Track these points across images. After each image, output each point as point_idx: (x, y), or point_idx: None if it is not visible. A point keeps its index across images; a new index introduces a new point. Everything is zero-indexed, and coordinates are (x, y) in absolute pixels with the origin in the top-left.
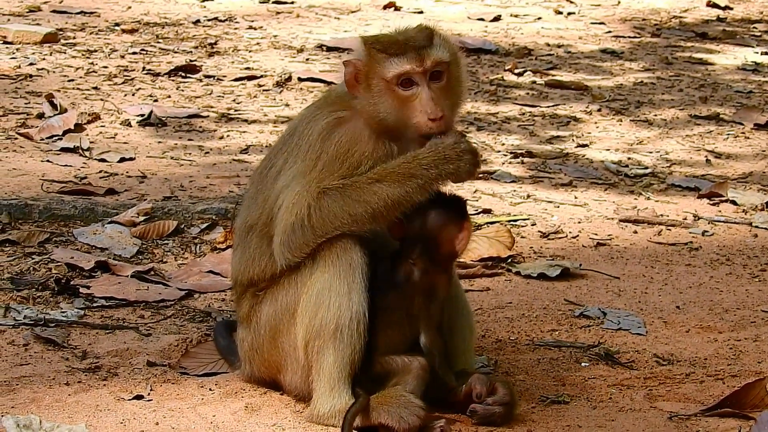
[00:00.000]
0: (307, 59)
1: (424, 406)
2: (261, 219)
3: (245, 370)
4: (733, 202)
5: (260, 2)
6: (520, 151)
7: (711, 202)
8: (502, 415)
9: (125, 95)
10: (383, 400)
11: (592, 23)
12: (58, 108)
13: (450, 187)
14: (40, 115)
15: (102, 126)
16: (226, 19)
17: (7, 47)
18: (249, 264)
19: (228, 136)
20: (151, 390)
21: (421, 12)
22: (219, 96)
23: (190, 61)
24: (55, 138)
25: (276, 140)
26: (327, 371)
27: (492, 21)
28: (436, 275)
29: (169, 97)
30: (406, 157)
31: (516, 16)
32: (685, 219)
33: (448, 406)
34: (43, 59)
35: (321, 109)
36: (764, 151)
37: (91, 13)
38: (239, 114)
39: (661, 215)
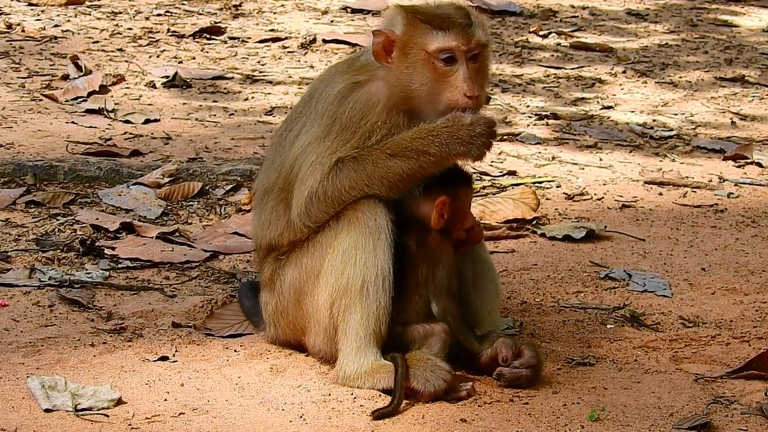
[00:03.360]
0: (332, 21)
1: (450, 369)
2: (278, 183)
3: (269, 333)
4: (759, 164)
5: None
6: (544, 113)
7: (736, 164)
8: (529, 377)
9: (150, 57)
10: (409, 363)
11: None
12: (83, 70)
13: None
14: (65, 77)
15: (127, 87)
16: None
17: (32, 9)
18: (266, 227)
19: (253, 97)
20: (176, 351)
21: None
22: (244, 58)
23: (215, 22)
24: (80, 99)
25: (297, 102)
26: (354, 330)
27: None
28: (436, 242)
29: (194, 58)
30: (420, 130)
31: None
32: (711, 181)
33: (475, 370)
34: (68, 21)
35: (341, 72)
36: None
37: None
38: (264, 75)
39: (686, 177)
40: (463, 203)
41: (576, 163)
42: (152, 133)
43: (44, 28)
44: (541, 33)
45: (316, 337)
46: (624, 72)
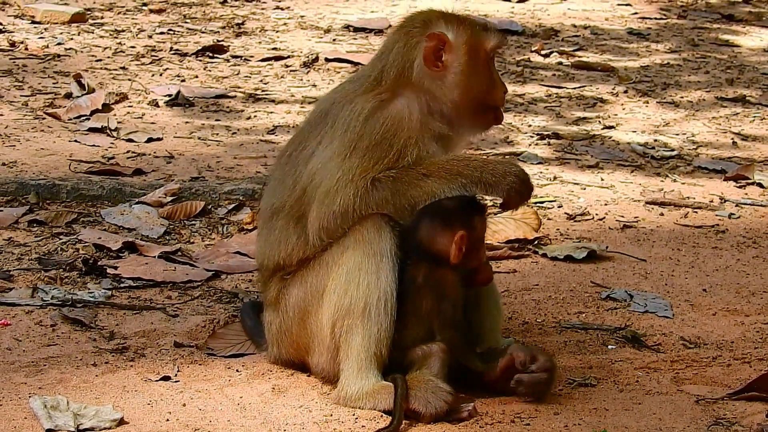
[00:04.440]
0: (334, 39)
1: (451, 390)
2: (288, 202)
3: (272, 353)
4: (760, 185)
5: None
6: (546, 133)
7: (737, 185)
8: (548, 381)
9: (153, 75)
10: (410, 384)
11: (618, 4)
12: (86, 88)
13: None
14: (68, 95)
15: (129, 106)
16: None
17: (35, 27)
18: (275, 247)
19: (255, 116)
20: (178, 371)
21: None
22: (246, 76)
23: (218, 41)
24: (82, 118)
25: (302, 124)
26: (355, 351)
27: (518, 2)
28: (444, 276)
29: (197, 77)
30: (458, 155)
31: None
32: (712, 201)
33: (479, 389)
34: (71, 39)
35: (358, 92)
36: None
37: None
38: (266, 94)
39: (688, 198)
40: (480, 233)
41: (577, 183)
42: (155, 152)
43: (47, 46)
44: (542, 52)
45: (319, 357)
46: (625, 92)
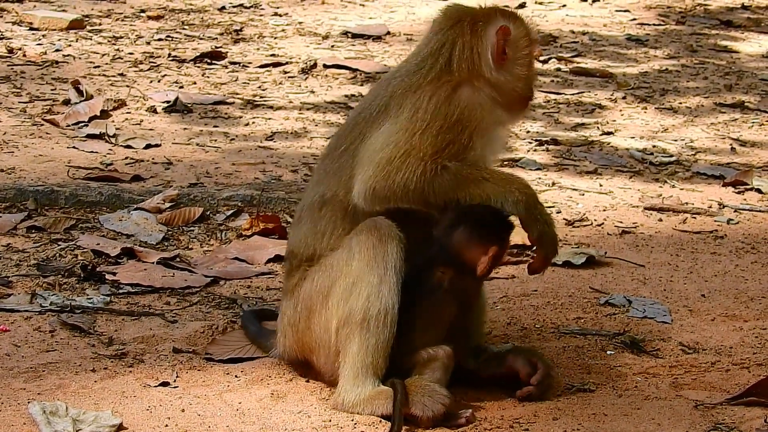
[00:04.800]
0: (332, 46)
1: (448, 395)
2: (339, 193)
3: (281, 345)
4: (758, 191)
5: None
6: (545, 139)
7: (736, 191)
8: (551, 385)
9: (151, 82)
10: (408, 389)
11: (617, 10)
12: (84, 94)
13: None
14: (66, 102)
15: (128, 112)
16: (251, 6)
17: (33, 33)
18: (319, 238)
19: (253, 122)
20: (177, 377)
21: None
22: (244, 82)
23: (216, 47)
24: (81, 124)
25: (351, 120)
26: (351, 359)
27: (517, 8)
28: (467, 282)
29: (195, 83)
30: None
31: (541, 3)
32: (710, 207)
33: (474, 385)
34: (69, 45)
35: (426, 82)
36: None
37: None
38: (264, 101)
39: (686, 203)
40: (505, 251)
41: (576, 189)
42: (153, 158)
43: (46, 53)
44: (541, 58)
45: (324, 358)
46: (624, 97)
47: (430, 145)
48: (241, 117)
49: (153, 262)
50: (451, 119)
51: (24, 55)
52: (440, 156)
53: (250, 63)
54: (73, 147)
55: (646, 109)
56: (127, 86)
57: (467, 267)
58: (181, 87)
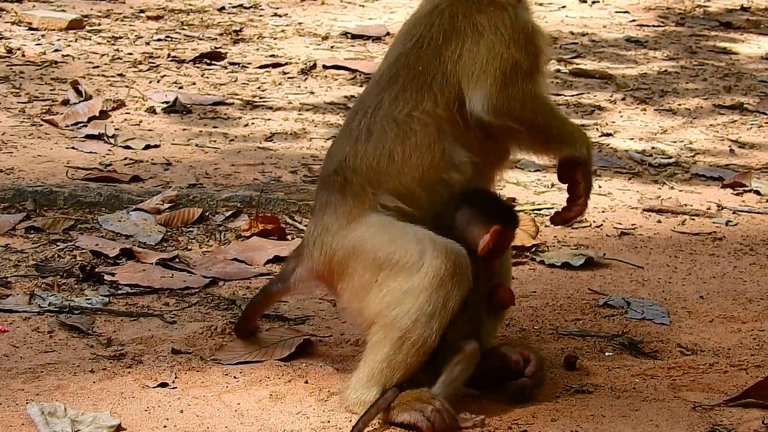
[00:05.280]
0: (332, 47)
1: (452, 411)
2: (436, 111)
3: (313, 255)
4: (757, 192)
5: None
6: None
7: (735, 192)
8: (543, 377)
9: (150, 82)
10: (408, 398)
11: (616, 12)
12: (83, 95)
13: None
14: (65, 102)
15: (127, 113)
16: (251, 6)
17: (32, 33)
18: (408, 158)
19: (253, 123)
20: (175, 378)
21: None
22: (244, 83)
23: (215, 48)
24: (80, 125)
25: (409, 49)
26: (371, 363)
27: None
28: (479, 267)
29: (194, 84)
30: None
31: (540, 4)
32: (709, 209)
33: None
34: (68, 46)
35: (483, 3)
36: None
37: None
38: (264, 101)
39: (685, 205)
40: (509, 238)
41: None
42: (152, 159)
43: (44, 53)
44: None
45: (350, 308)
46: (623, 99)
47: (524, 61)
48: (240, 118)
49: (152, 263)
50: (527, 36)
51: (23, 55)
52: (534, 73)
53: (249, 63)
54: (72, 147)
55: (645, 110)
56: (126, 87)
57: (471, 248)
58: (181, 87)
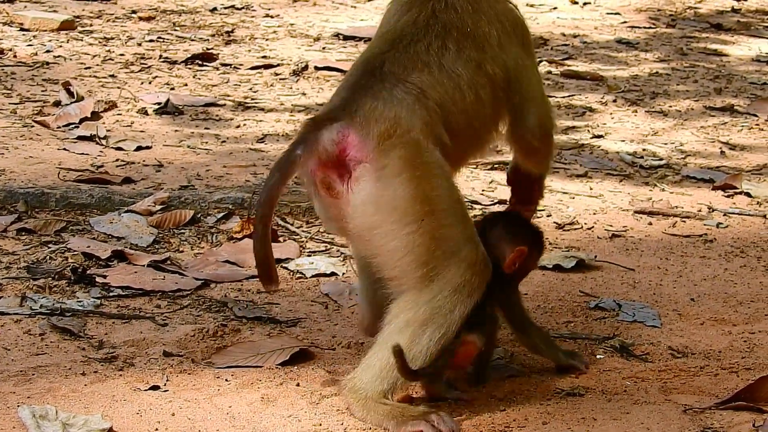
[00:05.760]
0: (324, 48)
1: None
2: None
3: (362, 123)
4: (748, 194)
5: None
6: None
7: (725, 194)
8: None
9: (142, 83)
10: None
11: (607, 13)
12: (75, 96)
13: None
14: (57, 103)
15: (119, 114)
16: (242, 7)
17: (23, 34)
18: (477, 100)
19: (244, 124)
20: (167, 380)
21: None
22: (235, 84)
23: (207, 49)
24: (71, 126)
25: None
26: (386, 357)
27: None
28: (503, 281)
29: (186, 85)
30: None
31: (532, 5)
32: (700, 211)
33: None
34: (60, 47)
35: None
36: None
37: (108, 0)
38: (256, 103)
39: (676, 207)
40: (534, 261)
41: (566, 192)
42: (144, 161)
43: (36, 54)
44: None
45: (373, 204)
46: (614, 101)
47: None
48: (232, 119)
49: (143, 265)
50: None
51: (14, 56)
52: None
53: (241, 65)
54: (64, 149)
55: (636, 112)
56: (118, 88)
57: (498, 263)
58: (172, 89)
